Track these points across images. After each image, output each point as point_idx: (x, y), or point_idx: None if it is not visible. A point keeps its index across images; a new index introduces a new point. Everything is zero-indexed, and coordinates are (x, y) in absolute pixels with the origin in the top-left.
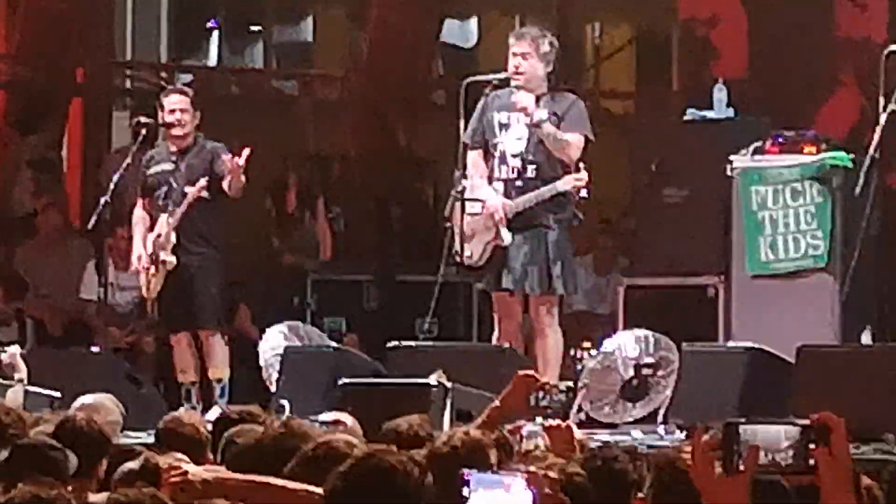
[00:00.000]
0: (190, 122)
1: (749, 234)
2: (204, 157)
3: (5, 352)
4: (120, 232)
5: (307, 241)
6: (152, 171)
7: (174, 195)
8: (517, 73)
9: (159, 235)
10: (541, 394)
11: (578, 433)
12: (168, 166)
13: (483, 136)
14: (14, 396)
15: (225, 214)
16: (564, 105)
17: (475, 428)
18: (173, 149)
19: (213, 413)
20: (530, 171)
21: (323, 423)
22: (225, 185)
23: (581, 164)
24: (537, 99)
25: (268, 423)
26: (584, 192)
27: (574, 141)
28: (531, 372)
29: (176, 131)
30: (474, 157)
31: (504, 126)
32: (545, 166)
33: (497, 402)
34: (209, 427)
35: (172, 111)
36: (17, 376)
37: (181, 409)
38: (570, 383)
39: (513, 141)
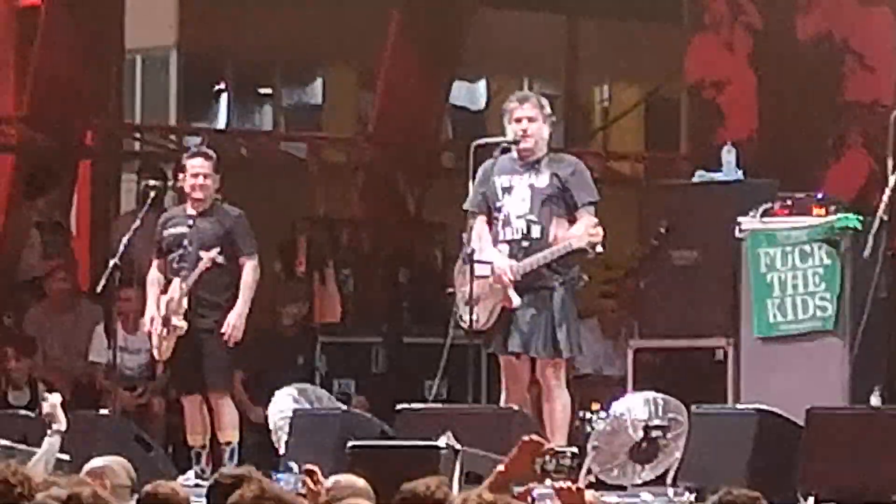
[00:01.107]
0: (211, 186)
1: (757, 295)
2: (221, 222)
3: (46, 400)
4: (128, 295)
5: (315, 304)
6: (167, 232)
7: (189, 259)
8: (526, 136)
9: (171, 299)
10: (547, 458)
11: (589, 495)
12: (184, 229)
13: (486, 201)
14: (50, 447)
15: (237, 280)
16: (567, 169)
17: (482, 491)
18: (191, 211)
19: (188, 477)
20: (535, 232)
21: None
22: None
23: (594, 220)
24: (538, 161)
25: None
26: (599, 248)
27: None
28: (536, 437)
29: (197, 194)
30: (479, 224)
31: (507, 189)
32: (550, 227)
33: (502, 467)
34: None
35: (196, 175)
36: (55, 426)
37: (189, 473)
38: (576, 449)
39: (517, 203)
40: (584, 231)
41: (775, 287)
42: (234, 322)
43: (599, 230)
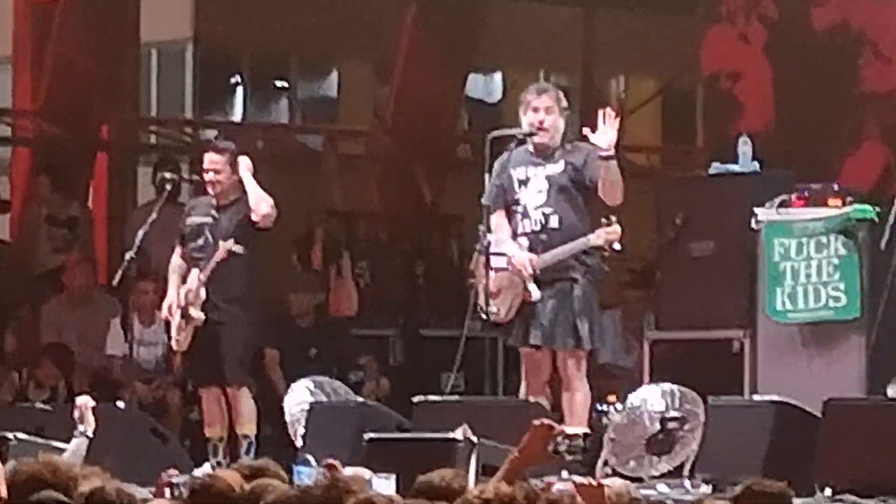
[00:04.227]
0: (225, 180)
1: (769, 283)
2: (243, 213)
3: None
4: (145, 287)
5: (332, 297)
6: (190, 221)
7: (209, 249)
8: (541, 128)
9: (189, 290)
10: (560, 440)
11: (610, 490)
12: (206, 219)
13: (503, 195)
14: (77, 448)
15: (255, 271)
16: (581, 156)
17: (497, 479)
18: (214, 202)
19: (205, 469)
20: (553, 223)
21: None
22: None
23: (613, 217)
24: (553, 151)
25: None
26: (616, 245)
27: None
28: (547, 420)
29: (211, 190)
30: (497, 217)
31: (523, 182)
32: (568, 216)
33: (516, 452)
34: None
35: (207, 170)
36: (81, 427)
37: (206, 465)
38: (588, 430)
39: (533, 195)
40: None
41: (787, 276)
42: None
43: (617, 228)
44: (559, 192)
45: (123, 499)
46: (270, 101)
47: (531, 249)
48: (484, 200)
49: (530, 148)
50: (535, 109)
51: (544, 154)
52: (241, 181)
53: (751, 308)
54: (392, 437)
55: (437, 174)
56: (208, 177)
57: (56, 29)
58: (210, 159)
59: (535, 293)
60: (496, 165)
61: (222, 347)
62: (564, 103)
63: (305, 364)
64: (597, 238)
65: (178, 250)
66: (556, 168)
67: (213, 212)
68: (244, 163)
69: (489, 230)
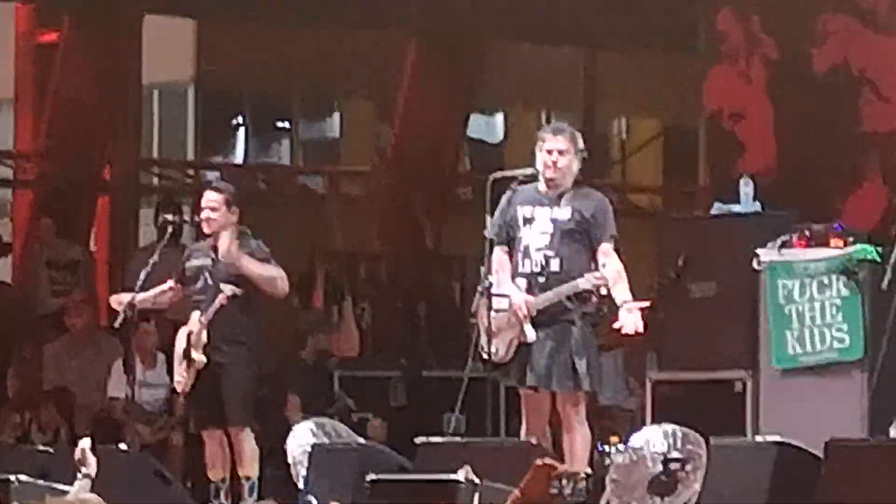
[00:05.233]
0: (220, 220)
1: (776, 327)
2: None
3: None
4: (146, 329)
5: (334, 338)
6: (189, 264)
7: (209, 291)
8: (556, 169)
9: (191, 333)
10: (564, 482)
11: None
12: (206, 261)
13: (507, 230)
14: (80, 490)
15: (257, 312)
16: (590, 204)
17: None
18: (212, 244)
19: None
20: (554, 266)
21: None
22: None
23: (618, 262)
24: (562, 194)
25: None
26: (603, 290)
27: (618, 268)
28: (549, 460)
29: (205, 228)
30: (499, 253)
31: (528, 220)
32: (569, 261)
33: (518, 493)
34: None
35: (203, 209)
36: (84, 470)
37: None
38: (590, 470)
39: (537, 235)
40: (621, 277)
41: (794, 319)
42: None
43: (605, 273)
44: (563, 236)
45: None
46: (272, 141)
47: (529, 291)
48: (487, 233)
49: (540, 186)
50: (550, 151)
51: (553, 195)
52: (236, 224)
53: (753, 348)
54: (394, 478)
55: (439, 215)
56: (204, 214)
57: (58, 70)
58: (208, 198)
59: (531, 335)
60: (503, 200)
61: (224, 390)
62: (580, 144)
63: (308, 405)
64: (585, 282)
65: (171, 285)
66: (563, 213)
67: (212, 254)
68: (233, 247)
69: (490, 265)
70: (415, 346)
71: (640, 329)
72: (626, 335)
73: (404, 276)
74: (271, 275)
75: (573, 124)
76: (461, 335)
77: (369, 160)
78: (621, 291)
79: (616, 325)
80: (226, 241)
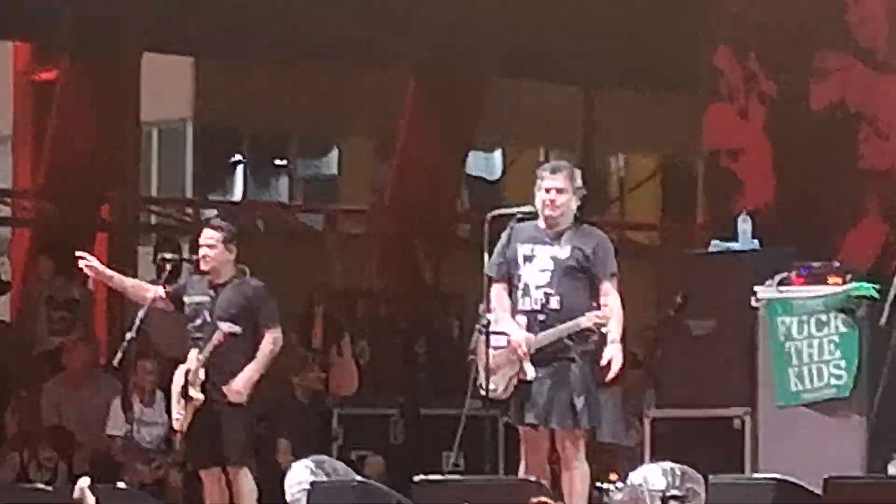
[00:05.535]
0: (218, 257)
1: (777, 365)
2: (241, 293)
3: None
4: (144, 367)
5: (332, 376)
6: (187, 299)
7: (207, 328)
8: (554, 207)
9: (189, 370)
10: None
11: None
12: (204, 298)
13: (507, 268)
14: None
15: (255, 351)
16: (591, 242)
17: None
18: (210, 280)
19: None
20: (554, 304)
21: None
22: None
23: (618, 300)
24: (562, 232)
25: None
26: (604, 329)
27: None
28: (545, 498)
29: (202, 265)
30: (498, 290)
31: (528, 258)
32: (569, 299)
33: None
34: None
35: (201, 246)
36: None
37: None
38: None
39: (536, 273)
40: (615, 314)
41: (793, 356)
42: (237, 387)
43: (606, 312)
44: (563, 274)
45: None
46: (270, 179)
47: (529, 328)
48: (487, 270)
49: (540, 224)
50: (548, 190)
51: (553, 233)
52: (233, 262)
53: (751, 386)
54: None
55: (438, 252)
56: (202, 252)
57: (56, 108)
58: (205, 235)
59: (531, 372)
60: (503, 237)
61: (222, 428)
62: (579, 182)
63: (306, 443)
64: (587, 321)
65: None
66: (563, 252)
67: (210, 291)
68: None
69: (489, 302)
70: (413, 384)
71: (618, 365)
72: (622, 371)
73: (403, 313)
74: (271, 352)
75: (572, 162)
76: (460, 373)
77: (368, 198)
78: (612, 328)
79: (602, 363)
80: (240, 385)
